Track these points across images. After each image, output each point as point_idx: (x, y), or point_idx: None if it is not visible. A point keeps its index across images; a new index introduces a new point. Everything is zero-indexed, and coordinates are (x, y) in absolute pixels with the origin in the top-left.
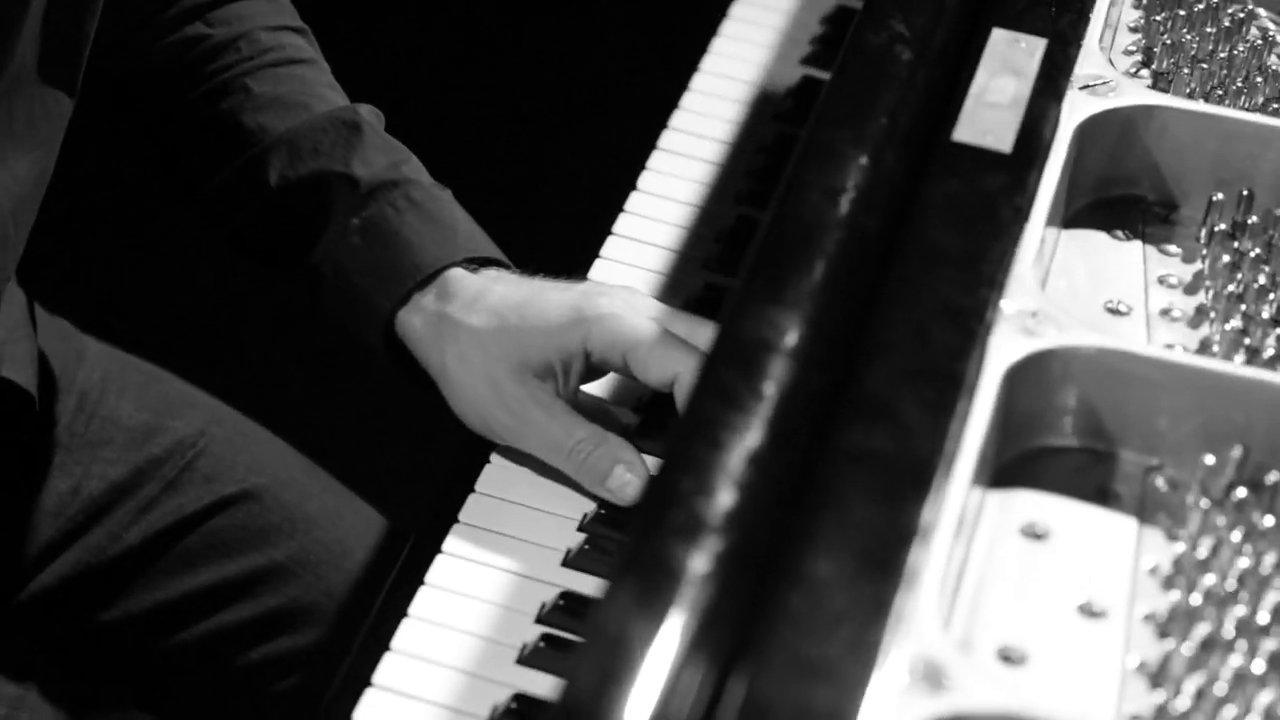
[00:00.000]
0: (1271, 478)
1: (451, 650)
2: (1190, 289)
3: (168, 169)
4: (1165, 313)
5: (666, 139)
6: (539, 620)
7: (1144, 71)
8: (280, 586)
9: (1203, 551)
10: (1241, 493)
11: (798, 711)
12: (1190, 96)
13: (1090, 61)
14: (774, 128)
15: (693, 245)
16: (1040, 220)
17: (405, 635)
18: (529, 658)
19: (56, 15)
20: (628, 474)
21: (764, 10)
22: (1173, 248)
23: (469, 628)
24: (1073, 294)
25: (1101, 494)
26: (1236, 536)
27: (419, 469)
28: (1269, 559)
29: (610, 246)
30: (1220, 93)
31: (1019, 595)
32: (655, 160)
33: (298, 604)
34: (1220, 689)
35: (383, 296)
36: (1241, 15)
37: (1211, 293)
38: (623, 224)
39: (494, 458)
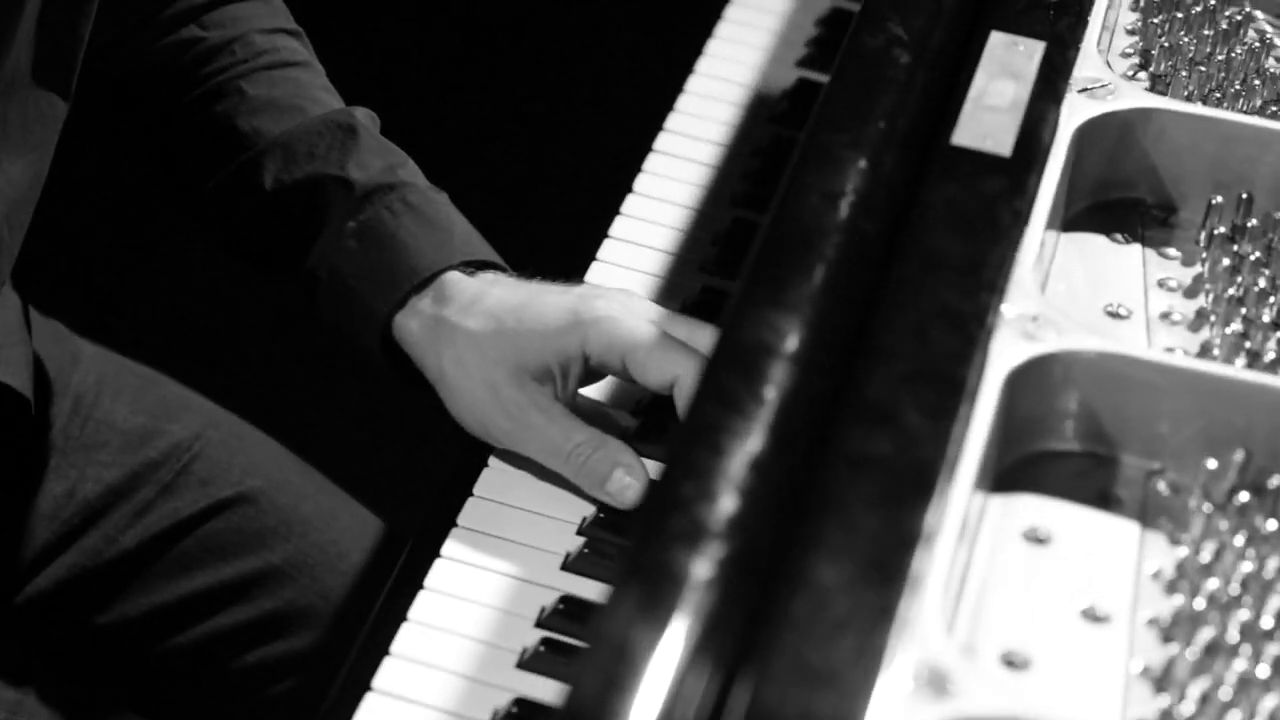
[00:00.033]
0: (1274, 482)
1: (451, 655)
2: (1190, 292)
3: (163, 172)
4: (1165, 316)
5: (662, 141)
6: (539, 624)
7: (1141, 74)
8: (276, 590)
9: (1205, 556)
10: (1244, 497)
11: (802, 718)
12: (1188, 99)
13: (1088, 64)
14: (769, 130)
15: (689, 248)
16: (1040, 224)
17: (405, 640)
18: (529, 662)
19: (51, 18)
20: (627, 477)
21: (758, 12)
22: (1172, 251)
23: (468, 632)
24: (1072, 297)
25: (1103, 498)
26: (1239, 541)
27: (414, 471)
28: (1272, 563)
29: (607, 249)
30: (1218, 95)
31: (1022, 600)
32: (651, 163)
33: (294, 607)
34: (1225, 694)
35: (379, 300)
36: (1239, 17)
37: (1212, 296)
38: (619, 227)
39: (492, 461)
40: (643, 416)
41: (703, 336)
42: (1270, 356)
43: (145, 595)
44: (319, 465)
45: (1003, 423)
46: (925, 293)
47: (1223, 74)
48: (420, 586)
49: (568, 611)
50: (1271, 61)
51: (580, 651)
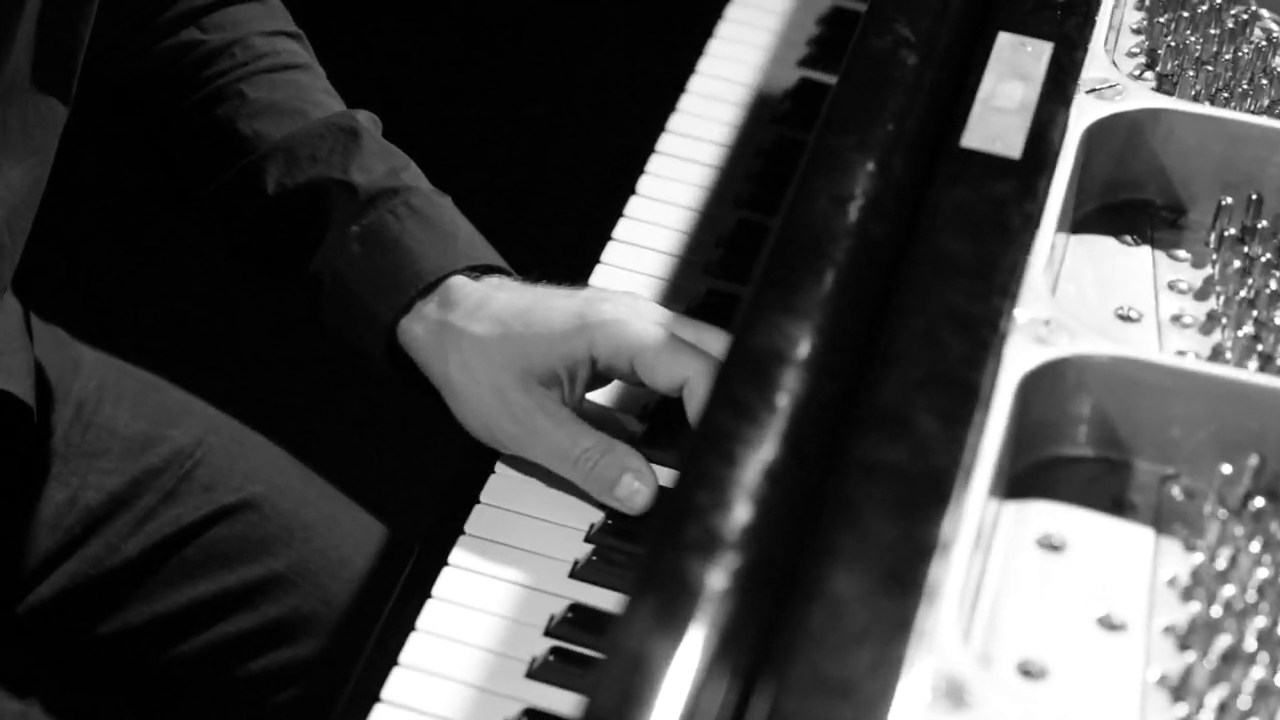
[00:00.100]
0: None
1: (460, 664)
2: (1201, 294)
3: (163, 176)
4: (1176, 319)
5: (664, 142)
6: (548, 633)
7: (1148, 74)
8: (280, 596)
9: (1221, 562)
10: (1259, 502)
11: None
12: (1195, 99)
13: (1095, 64)
14: (772, 130)
15: (693, 250)
16: (1050, 226)
17: (413, 650)
18: (538, 671)
19: (50, 21)
20: (636, 482)
21: (759, 11)
22: (1182, 253)
23: (477, 641)
24: (1082, 300)
25: (1117, 504)
26: (1255, 547)
27: (416, 476)
28: None
29: (611, 252)
30: (1225, 95)
31: (1037, 608)
32: (654, 164)
33: (298, 614)
34: (1244, 702)
35: (384, 305)
36: (1245, 17)
37: (1222, 298)
38: (623, 229)
39: (499, 467)
40: (650, 421)
41: (710, 339)
42: None
43: (148, 603)
44: (321, 470)
45: (1016, 428)
46: (937, 297)
47: (1230, 73)
48: (428, 595)
49: (577, 620)
50: (1278, 61)
51: (593, 662)
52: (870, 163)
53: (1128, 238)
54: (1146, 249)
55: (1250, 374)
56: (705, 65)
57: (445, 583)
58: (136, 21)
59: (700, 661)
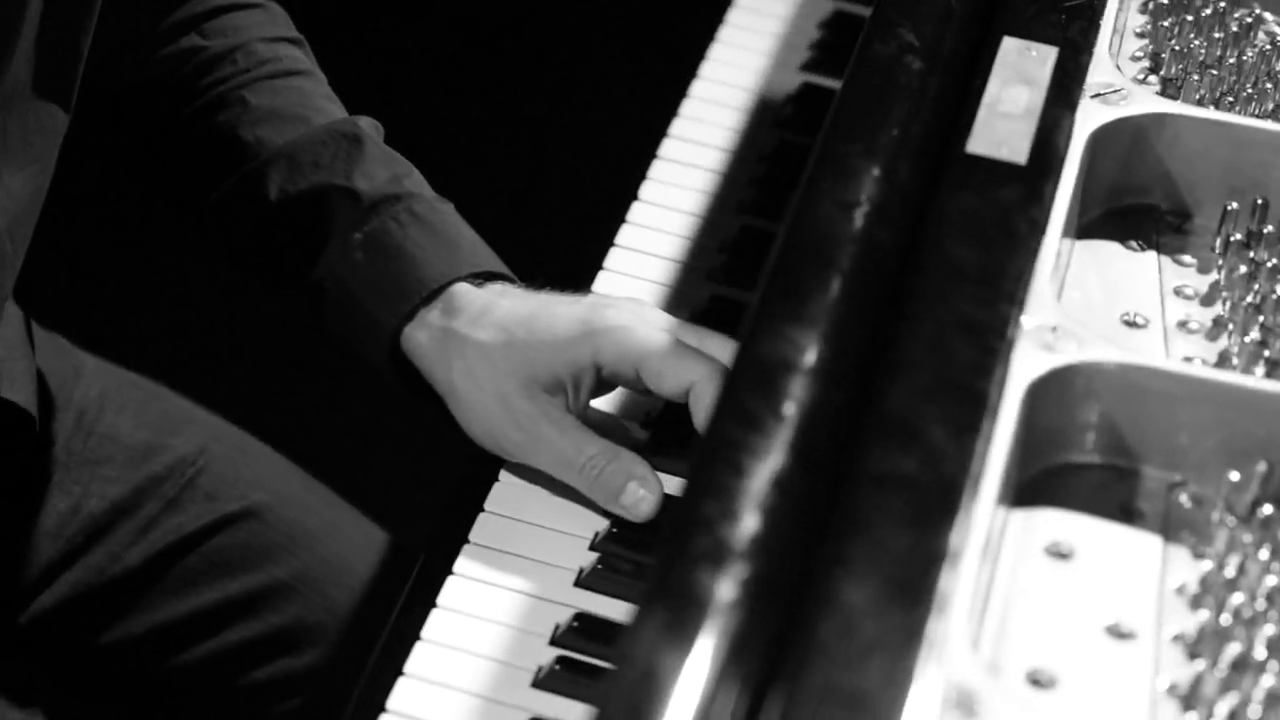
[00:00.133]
0: None
1: (465, 674)
2: (1207, 300)
3: (165, 184)
4: (1182, 325)
5: (667, 147)
6: (553, 642)
7: (1152, 78)
8: (283, 605)
9: (1230, 570)
10: (1268, 509)
11: None
12: (1199, 103)
13: (1100, 69)
14: (775, 135)
15: (696, 256)
16: (1056, 232)
17: (418, 659)
18: (544, 680)
19: (51, 29)
20: (641, 490)
21: (760, 16)
22: (1187, 258)
23: (482, 651)
24: (1088, 306)
25: (1125, 511)
26: (1264, 554)
27: (418, 483)
28: None
29: (613, 258)
30: (1230, 99)
31: (1045, 617)
32: (656, 169)
33: (301, 623)
34: (1254, 711)
35: (387, 312)
36: (1249, 20)
37: (1229, 304)
38: (625, 235)
39: (503, 475)
40: (654, 428)
41: (714, 345)
42: None
43: (151, 612)
44: (324, 478)
45: (1023, 436)
46: (944, 304)
47: (1234, 77)
48: (433, 604)
49: (583, 629)
50: None
51: (599, 671)
52: (876, 168)
53: (1133, 243)
54: (1152, 254)
55: (1258, 380)
56: (707, 69)
57: (450, 592)
58: (137, 28)
59: (710, 672)
